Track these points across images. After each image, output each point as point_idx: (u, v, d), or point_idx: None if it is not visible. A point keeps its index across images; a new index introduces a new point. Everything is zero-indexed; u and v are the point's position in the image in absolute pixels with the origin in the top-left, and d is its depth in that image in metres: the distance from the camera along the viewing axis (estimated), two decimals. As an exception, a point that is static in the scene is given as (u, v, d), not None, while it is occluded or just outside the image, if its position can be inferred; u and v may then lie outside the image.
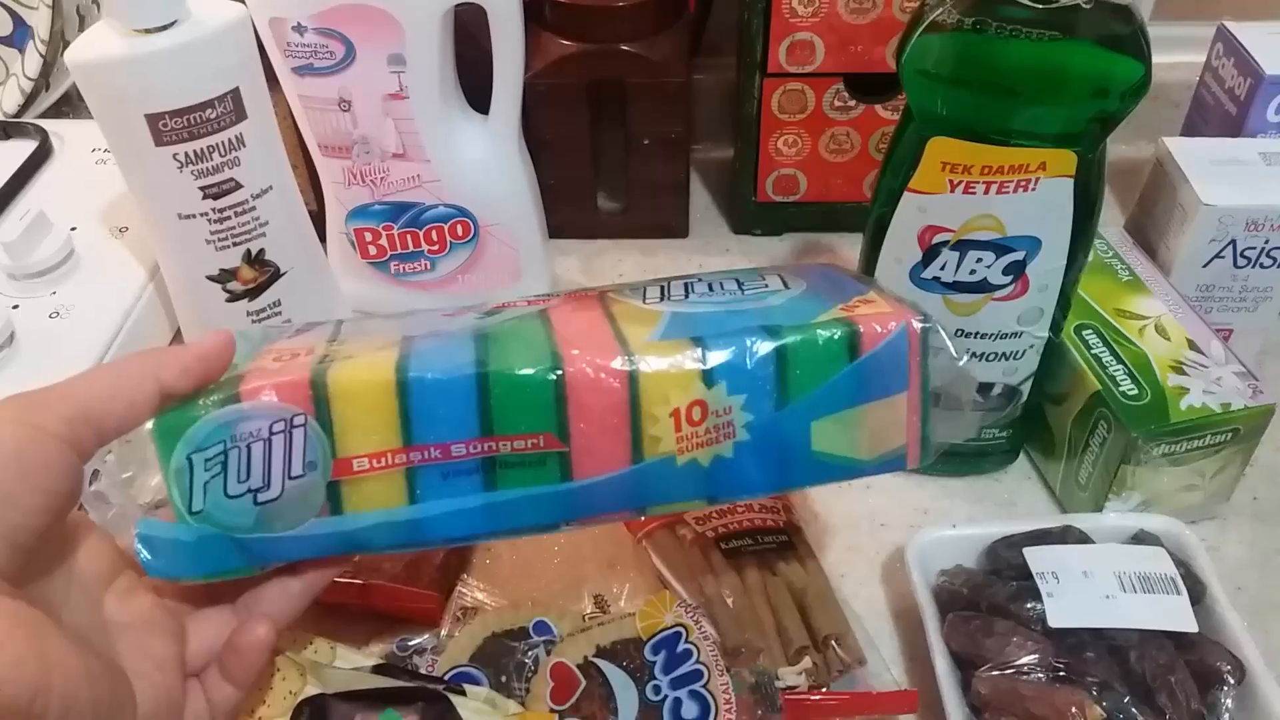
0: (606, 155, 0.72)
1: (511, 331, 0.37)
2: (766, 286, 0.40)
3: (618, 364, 0.35)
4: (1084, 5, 0.41)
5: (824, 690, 0.45)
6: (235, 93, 0.53)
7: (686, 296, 0.40)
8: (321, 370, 0.35)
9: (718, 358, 0.35)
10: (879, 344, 0.36)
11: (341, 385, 0.34)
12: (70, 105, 0.79)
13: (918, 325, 0.37)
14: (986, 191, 0.45)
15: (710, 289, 0.40)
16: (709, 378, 0.35)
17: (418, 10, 0.56)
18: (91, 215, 0.67)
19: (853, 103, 0.68)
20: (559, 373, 0.34)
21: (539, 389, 0.34)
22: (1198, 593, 0.46)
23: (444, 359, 0.35)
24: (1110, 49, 0.42)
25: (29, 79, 0.76)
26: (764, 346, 0.36)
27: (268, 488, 0.34)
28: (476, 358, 0.35)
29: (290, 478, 0.34)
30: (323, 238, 0.65)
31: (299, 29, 0.55)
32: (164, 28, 0.50)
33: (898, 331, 0.36)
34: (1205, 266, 0.57)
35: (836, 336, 0.36)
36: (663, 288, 0.41)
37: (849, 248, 0.73)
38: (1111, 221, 0.60)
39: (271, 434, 0.34)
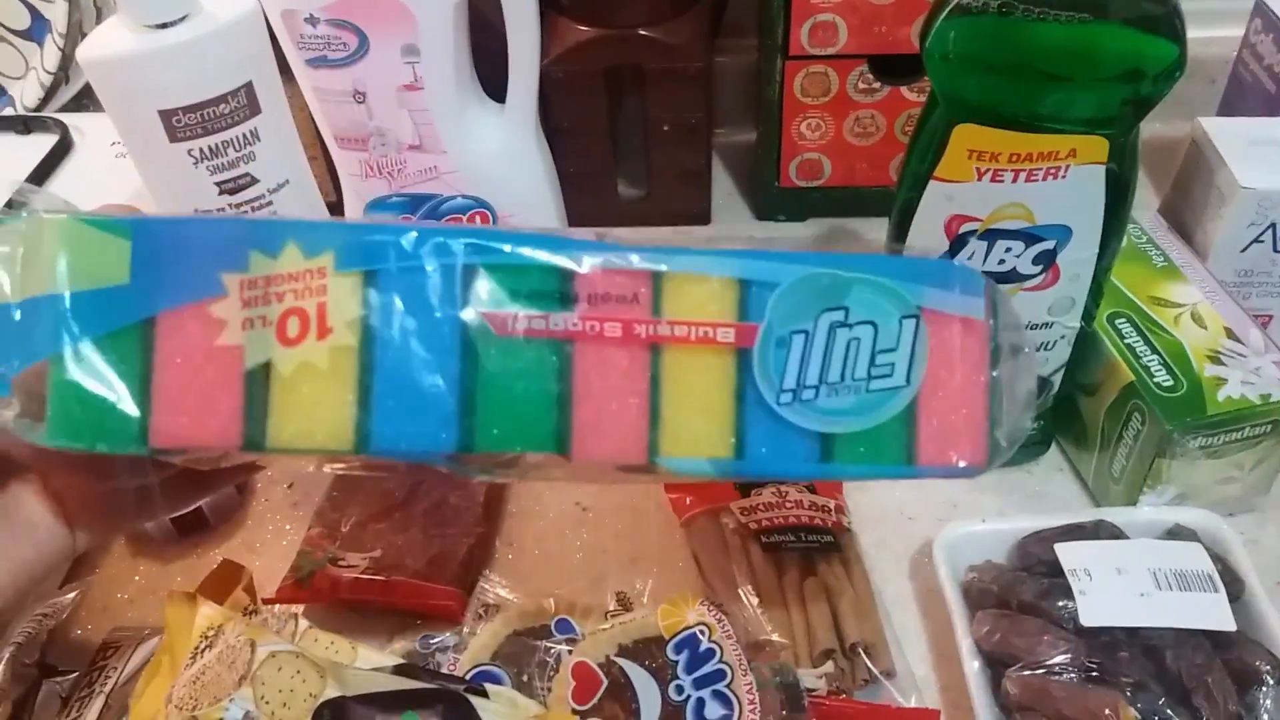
0: (626, 142, 0.71)
1: (511, 372, 0.32)
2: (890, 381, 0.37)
3: (635, 462, 0.34)
4: (1116, -15, 0.40)
5: (842, 696, 0.44)
6: (249, 87, 0.52)
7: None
8: (255, 432, 0.31)
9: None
10: None
11: (284, 444, 0.32)
12: (90, 98, 0.79)
13: None
14: (1015, 180, 0.44)
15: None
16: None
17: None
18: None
19: (877, 84, 0.66)
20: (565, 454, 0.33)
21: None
22: (1236, 589, 0.45)
23: (414, 406, 0.32)
24: (1143, 30, 0.41)
25: (48, 73, 0.76)
26: None
27: None
28: (460, 414, 0.32)
29: None
30: (341, 230, 0.65)
31: (311, 20, 0.55)
32: (175, 22, 0.49)
33: None
34: (1244, 251, 0.55)
35: None
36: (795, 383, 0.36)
37: (875, 232, 0.72)
38: (1145, 205, 0.58)
39: None
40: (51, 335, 0.31)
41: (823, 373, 0.37)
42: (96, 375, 0.31)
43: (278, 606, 0.48)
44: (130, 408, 0.31)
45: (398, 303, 0.32)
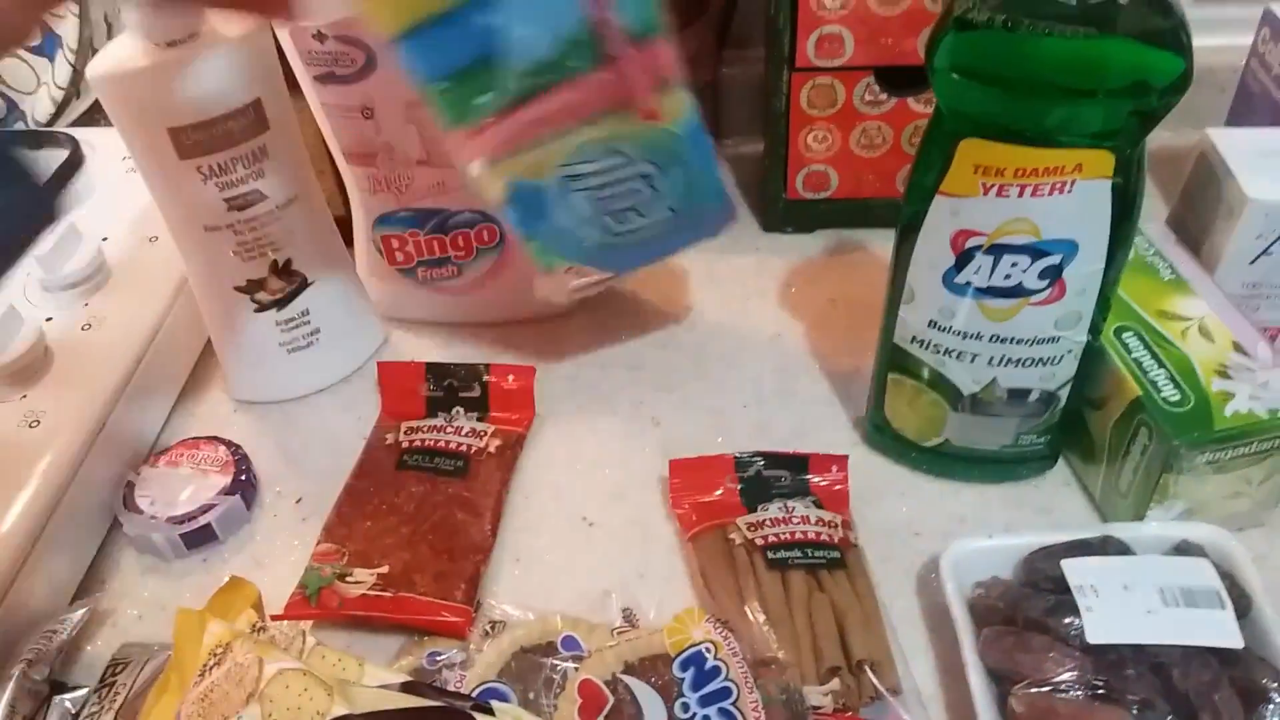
0: (633, 154, 0.71)
1: None
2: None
3: None
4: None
5: (848, 714, 0.44)
6: (257, 104, 0.53)
7: None
8: None
9: None
10: None
11: None
12: (101, 113, 0.79)
13: None
14: (1020, 194, 0.44)
15: None
16: None
17: (438, 16, 0.55)
18: (122, 224, 0.67)
19: (884, 96, 0.66)
20: None
21: None
22: (1243, 606, 0.45)
23: None
24: (1149, 44, 0.41)
25: (59, 88, 0.77)
26: None
27: None
28: None
29: None
30: (350, 243, 0.65)
31: (319, 36, 0.55)
32: (184, 40, 0.50)
33: None
34: (1252, 264, 0.55)
35: None
36: None
37: (882, 243, 0.72)
38: (1153, 216, 0.58)
39: None
40: None
41: None
42: None
43: (285, 623, 0.48)
44: None
45: None
